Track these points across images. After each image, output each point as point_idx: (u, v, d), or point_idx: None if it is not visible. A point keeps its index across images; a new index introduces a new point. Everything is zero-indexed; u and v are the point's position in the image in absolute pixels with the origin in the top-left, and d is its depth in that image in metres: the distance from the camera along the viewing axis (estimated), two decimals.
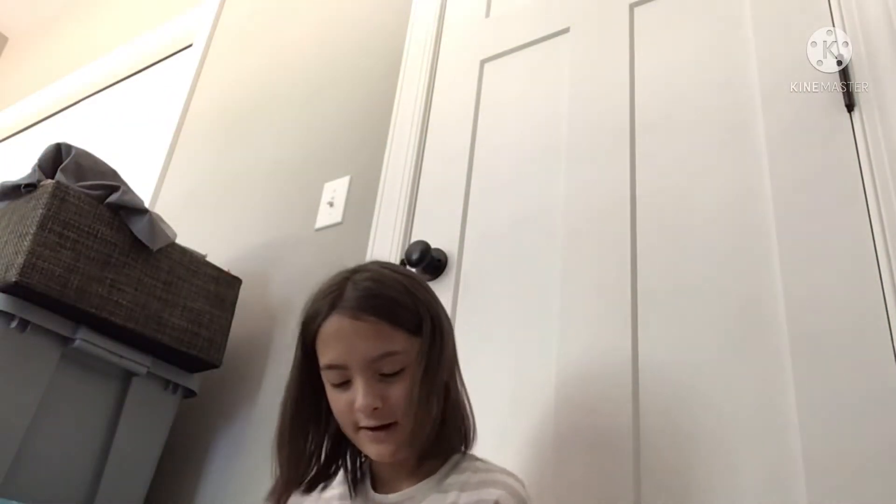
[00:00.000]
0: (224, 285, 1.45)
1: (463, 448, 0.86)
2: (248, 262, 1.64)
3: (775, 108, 1.06)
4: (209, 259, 1.47)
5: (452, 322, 1.22)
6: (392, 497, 0.82)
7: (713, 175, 1.08)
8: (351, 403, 0.79)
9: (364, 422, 0.79)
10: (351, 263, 1.41)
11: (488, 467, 0.83)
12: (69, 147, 1.31)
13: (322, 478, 0.86)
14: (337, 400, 0.82)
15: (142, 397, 1.34)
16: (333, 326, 0.81)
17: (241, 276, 1.50)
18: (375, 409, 0.78)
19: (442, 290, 1.26)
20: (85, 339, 1.24)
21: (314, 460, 0.85)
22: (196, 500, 1.41)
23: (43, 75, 3.13)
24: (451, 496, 0.79)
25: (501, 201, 1.30)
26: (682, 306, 1.01)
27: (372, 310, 0.80)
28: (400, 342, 0.80)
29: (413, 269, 1.29)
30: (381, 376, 0.79)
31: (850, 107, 0.99)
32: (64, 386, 1.24)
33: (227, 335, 1.44)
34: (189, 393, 1.42)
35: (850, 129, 0.98)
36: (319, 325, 0.82)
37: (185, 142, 2.15)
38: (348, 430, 0.82)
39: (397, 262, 1.34)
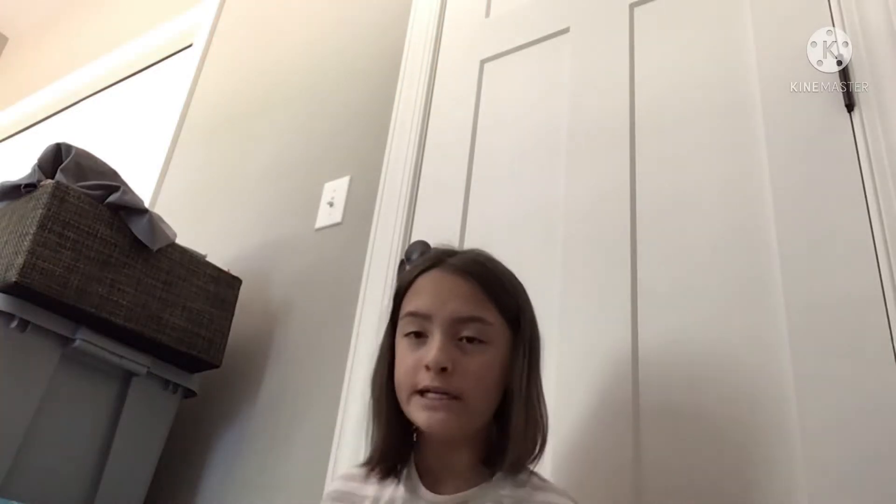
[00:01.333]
0: (224, 285, 1.45)
1: (534, 464, 0.79)
2: (248, 262, 1.64)
3: (775, 108, 1.06)
4: (209, 259, 1.47)
5: None
6: (442, 498, 0.77)
7: (713, 175, 1.08)
8: (419, 361, 0.75)
9: (426, 381, 0.74)
10: (351, 263, 1.43)
11: (548, 486, 0.78)
12: (69, 147, 1.31)
13: (396, 468, 0.81)
14: (405, 357, 0.77)
15: (142, 397, 1.34)
16: (430, 278, 0.79)
17: (241, 276, 1.50)
18: (444, 369, 0.74)
19: None
20: (85, 339, 1.24)
21: (403, 435, 0.80)
22: (196, 500, 1.41)
23: (43, 75, 3.13)
24: (507, 501, 0.74)
25: (501, 201, 1.30)
26: (682, 306, 1.01)
27: (475, 274, 0.78)
28: (492, 316, 0.77)
29: None
30: (461, 342, 0.76)
31: (850, 107, 0.99)
32: (64, 386, 1.24)
33: (227, 335, 1.43)
34: (189, 393, 1.42)
35: (850, 129, 0.98)
36: (415, 278, 0.80)
37: (185, 142, 2.15)
38: (404, 395, 0.77)
39: (397, 261, 1.34)
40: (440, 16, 1.63)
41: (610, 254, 1.11)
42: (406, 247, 1.30)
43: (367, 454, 0.81)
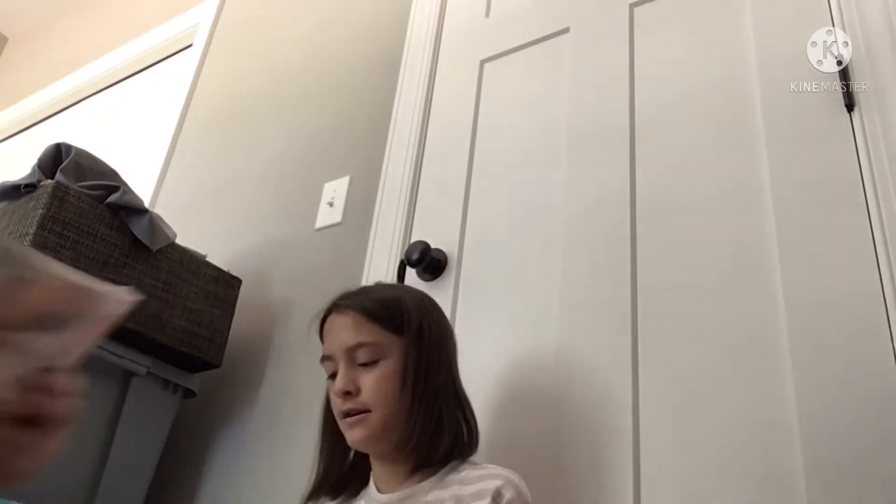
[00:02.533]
0: (224, 285, 1.45)
1: (461, 457, 0.88)
2: (248, 262, 1.63)
3: (775, 108, 1.06)
4: (209, 259, 1.47)
5: (452, 322, 1.22)
6: (391, 496, 0.87)
7: (713, 175, 1.08)
8: (334, 393, 0.88)
9: (341, 406, 0.87)
10: (351, 263, 1.43)
11: (488, 466, 0.86)
12: (69, 147, 1.31)
13: (344, 485, 0.93)
14: (329, 391, 0.91)
15: (142, 397, 1.34)
16: (326, 325, 0.94)
17: (241, 276, 1.50)
18: (348, 392, 0.87)
19: (442, 290, 1.26)
20: None
21: (342, 464, 0.94)
22: (196, 500, 1.41)
23: (43, 75, 3.13)
24: (453, 489, 0.82)
25: (501, 201, 1.29)
26: (681, 306, 1.01)
27: (352, 305, 0.91)
28: (374, 335, 0.89)
29: (413, 270, 1.29)
30: (359, 366, 0.88)
31: (850, 107, 0.99)
32: None
33: (227, 335, 1.43)
34: (189, 393, 1.42)
35: (850, 129, 0.98)
36: (320, 327, 0.95)
37: (184, 142, 2.15)
38: (338, 420, 0.89)
39: (397, 262, 1.34)
40: (440, 16, 1.63)
41: (610, 253, 1.11)
42: (406, 247, 1.30)
43: (311, 485, 0.94)
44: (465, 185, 1.36)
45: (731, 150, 1.08)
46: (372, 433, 0.86)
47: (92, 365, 1.28)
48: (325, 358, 0.92)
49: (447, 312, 1.23)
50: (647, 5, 1.30)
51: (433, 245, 1.28)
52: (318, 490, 0.93)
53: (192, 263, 1.40)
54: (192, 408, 1.48)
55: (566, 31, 1.38)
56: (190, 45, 2.45)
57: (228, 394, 1.48)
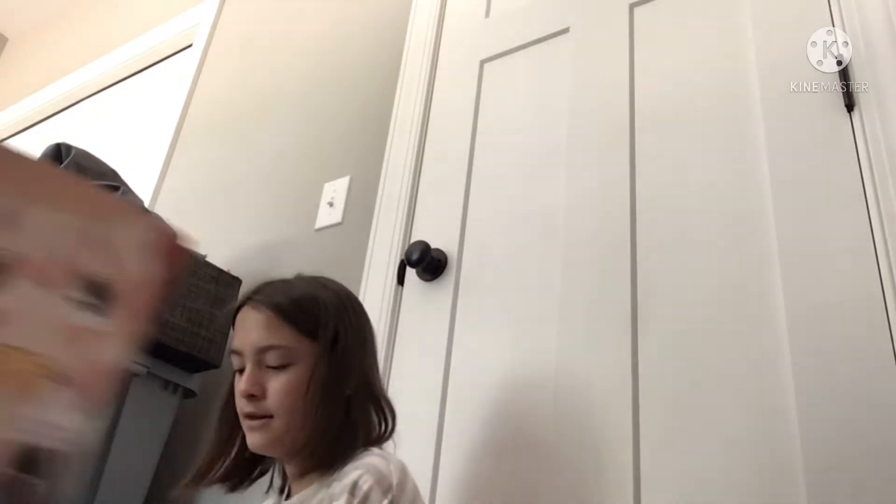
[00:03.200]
0: (224, 285, 1.45)
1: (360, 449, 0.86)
2: (247, 262, 1.63)
3: (775, 108, 1.06)
4: (209, 259, 1.47)
5: (451, 321, 1.22)
6: (291, 500, 0.87)
7: (713, 174, 1.08)
8: (238, 393, 0.86)
9: (244, 406, 0.85)
10: (351, 263, 1.43)
11: (367, 455, 0.83)
12: (69, 147, 1.31)
13: (242, 478, 0.91)
14: (235, 387, 0.88)
15: (142, 397, 1.34)
16: (240, 315, 0.90)
17: (240, 277, 1.50)
18: (253, 395, 0.84)
19: (442, 289, 1.26)
20: None
21: (230, 453, 0.91)
22: (196, 500, 1.40)
23: (43, 75, 3.13)
24: (333, 487, 0.80)
25: (501, 201, 1.29)
26: (682, 306, 1.01)
27: (268, 304, 0.87)
28: (287, 338, 0.86)
29: (413, 270, 1.29)
30: (268, 368, 0.85)
31: (850, 107, 0.99)
32: None
33: (227, 335, 1.43)
34: (189, 393, 1.42)
35: (849, 129, 0.98)
36: (234, 317, 0.91)
37: (185, 142, 2.15)
38: (240, 418, 0.87)
39: (397, 262, 1.34)
40: (440, 16, 1.63)
41: (610, 253, 1.11)
42: (406, 247, 1.30)
43: (193, 472, 0.91)
44: (465, 185, 1.36)
45: (731, 149, 1.08)
46: (272, 439, 0.84)
47: None
48: (234, 352, 0.88)
49: (447, 312, 1.23)
50: (647, 5, 1.30)
51: (433, 245, 1.28)
52: (200, 477, 0.90)
53: (192, 263, 1.40)
54: (192, 408, 1.48)
55: (566, 31, 1.38)
56: (190, 45, 2.45)
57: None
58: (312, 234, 1.56)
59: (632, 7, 1.31)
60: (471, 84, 1.47)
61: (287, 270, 1.57)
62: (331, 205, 1.56)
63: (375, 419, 0.88)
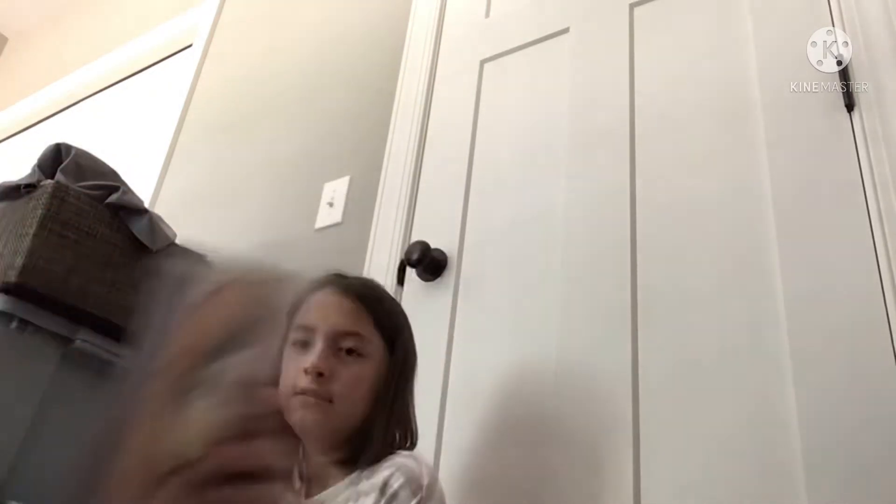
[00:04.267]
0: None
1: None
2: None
3: (775, 108, 1.06)
4: (209, 259, 1.47)
5: (451, 321, 1.22)
6: (318, 497, 0.85)
7: (713, 175, 1.08)
8: (300, 366, 0.83)
9: (304, 382, 0.82)
10: (351, 263, 1.42)
11: (396, 456, 0.84)
12: (69, 147, 1.31)
13: None
14: (289, 364, 0.85)
15: None
16: (320, 297, 0.88)
17: None
18: (321, 374, 0.82)
19: (442, 290, 1.26)
20: (85, 340, 1.24)
21: None
22: None
23: (43, 75, 3.13)
24: (362, 486, 0.81)
25: (501, 201, 1.29)
26: (681, 307, 1.01)
27: (359, 296, 0.88)
28: (371, 333, 0.87)
29: (413, 270, 1.29)
30: (341, 353, 0.85)
31: (850, 107, 0.99)
32: (64, 386, 1.24)
33: None
34: None
35: (850, 129, 0.98)
36: (307, 296, 0.88)
37: (185, 142, 2.15)
38: (284, 398, 0.83)
39: (397, 262, 1.34)
40: (440, 16, 1.63)
41: (610, 253, 1.11)
42: (406, 247, 1.30)
43: None
44: (465, 185, 1.36)
45: (731, 149, 1.08)
46: (327, 423, 0.83)
47: (92, 365, 1.28)
48: (304, 327, 0.86)
49: (447, 312, 1.24)
50: (647, 5, 1.30)
51: (433, 245, 1.28)
52: None
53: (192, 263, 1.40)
54: None
55: (566, 31, 1.38)
56: (190, 46, 2.45)
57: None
58: (312, 234, 1.56)
59: (632, 7, 1.31)
60: (471, 84, 1.47)
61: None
62: (331, 205, 1.56)
63: (403, 434, 0.89)
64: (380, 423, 0.85)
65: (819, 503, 0.81)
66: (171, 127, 2.19)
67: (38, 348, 1.20)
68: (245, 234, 1.72)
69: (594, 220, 1.15)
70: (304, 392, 0.82)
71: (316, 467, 0.87)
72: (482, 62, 1.49)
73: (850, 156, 0.96)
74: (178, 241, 1.40)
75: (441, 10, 1.64)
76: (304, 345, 0.85)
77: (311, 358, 0.83)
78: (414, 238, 1.35)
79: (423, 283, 1.29)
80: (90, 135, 2.63)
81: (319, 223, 1.56)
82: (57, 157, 1.30)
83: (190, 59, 2.35)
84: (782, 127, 1.04)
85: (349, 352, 0.85)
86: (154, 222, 1.33)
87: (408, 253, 1.26)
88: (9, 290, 1.15)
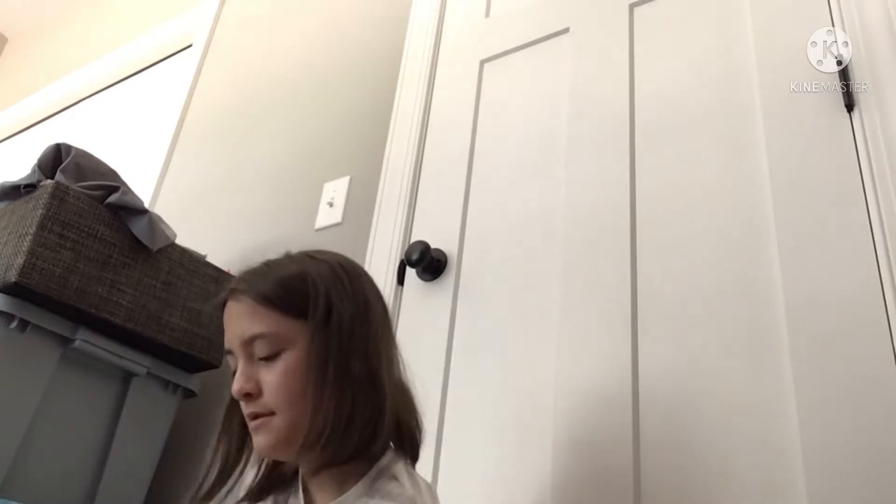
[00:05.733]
0: (224, 285, 1.45)
1: (377, 453, 0.76)
2: (248, 262, 1.63)
3: (775, 108, 1.06)
4: (209, 259, 1.47)
5: (451, 321, 1.22)
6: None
7: (713, 174, 1.08)
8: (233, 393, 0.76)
9: (244, 409, 0.76)
10: None
11: (398, 492, 0.73)
12: (69, 147, 1.31)
13: (264, 488, 0.82)
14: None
15: (142, 397, 1.34)
16: (225, 311, 0.80)
17: None
18: (248, 394, 0.75)
19: (441, 290, 1.26)
20: (85, 340, 1.24)
21: (244, 460, 0.81)
22: (196, 499, 1.40)
23: (43, 75, 3.13)
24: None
25: (501, 201, 1.29)
26: (681, 307, 1.01)
27: (246, 290, 0.77)
28: (273, 324, 0.75)
29: (413, 270, 1.29)
30: (260, 360, 0.75)
31: (849, 107, 0.99)
32: (64, 386, 1.24)
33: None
34: (189, 393, 1.42)
35: (849, 129, 0.98)
36: (223, 314, 0.81)
37: (185, 142, 2.15)
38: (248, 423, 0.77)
39: (397, 262, 1.33)
40: (440, 16, 1.63)
41: (610, 253, 1.11)
42: (406, 247, 1.30)
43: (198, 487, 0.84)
44: (465, 185, 1.36)
45: (731, 149, 1.08)
46: (278, 439, 0.74)
47: (92, 365, 1.28)
48: (227, 352, 0.79)
49: (447, 312, 1.23)
50: (647, 5, 1.30)
51: (433, 245, 1.28)
52: (204, 498, 0.81)
53: (192, 263, 1.40)
54: (192, 408, 1.48)
55: (566, 31, 1.38)
56: (190, 46, 2.45)
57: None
58: (312, 234, 1.56)
59: (632, 7, 1.31)
60: (471, 84, 1.47)
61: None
62: (331, 205, 1.56)
63: (379, 410, 0.75)
64: (343, 401, 0.72)
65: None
66: (171, 127, 2.19)
67: (38, 348, 1.21)
68: (245, 234, 1.73)
69: (594, 220, 1.15)
70: (249, 418, 0.76)
71: (309, 476, 0.80)
72: (482, 62, 1.49)
73: (850, 156, 0.96)
74: (178, 240, 1.40)
75: (441, 10, 1.64)
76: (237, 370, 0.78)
77: (234, 384, 0.76)
78: (414, 238, 1.35)
79: (422, 282, 1.29)
80: (90, 135, 2.63)
81: (319, 223, 1.56)
82: (57, 157, 1.30)
83: (190, 59, 2.35)
84: (782, 127, 1.04)
85: (268, 356, 0.75)
86: (154, 222, 1.33)
87: (408, 253, 1.26)
88: (9, 290, 1.16)
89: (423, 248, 1.25)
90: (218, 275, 1.45)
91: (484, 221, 1.30)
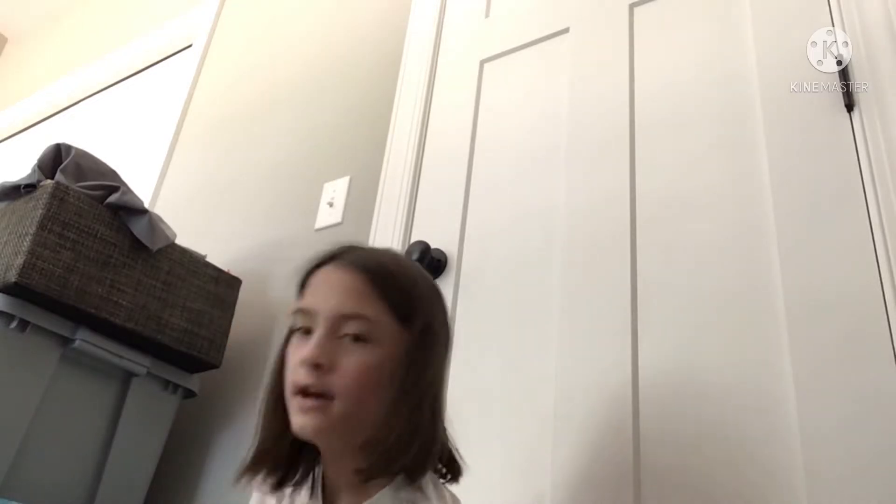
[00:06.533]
0: (224, 285, 1.45)
1: (418, 475, 0.73)
2: (248, 262, 1.63)
3: (775, 108, 1.06)
4: (209, 259, 1.47)
5: (452, 321, 1.22)
6: None
7: (713, 175, 1.08)
8: (299, 357, 0.72)
9: (302, 378, 0.71)
10: None
11: (440, 494, 0.73)
12: (69, 147, 1.31)
13: (289, 476, 0.77)
14: (290, 355, 0.75)
15: (142, 397, 1.34)
16: (322, 274, 0.76)
17: (241, 277, 1.50)
18: (319, 365, 0.70)
19: (442, 289, 1.26)
20: (84, 340, 1.24)
21: (287, 439, 0.75)
22: (196, 500, 1.40)
23: (43, 75, 3.13)
24: None
25: (501, 201, 1.29)
26: (682, 306, 1.01)
27: (366, 269, 0.74)
28: (377, 313, 0.72)
29: None
30: (344, 340, 0.72)
31: (849, 107, 0.99)
32: (64, 386, 1.24)
33: (227, 335, 1.43)
34: (189, 393, 1.42)
35: (849, 129, 0.98)
36: (311, 273, 0.78)
37: (185, 142, 2.15)
38: (288, 394, 0.73)
39: None
40: (440, 16, 1.63)
41: (610, 253, 1.11)
42: (406, 247, 1.30)
43: (245, 460, 0.77)
44: (465, 185, 1.36)
45: (731, 150, 1.08)
46: (328, 426, 0.70)
47: (92, 365, 1.28)
48: (302, 311, 0.74)
49: (447, 312, 1.23)
50: (647, 5, 1.30)
51: (433, 245, 1.28)
52: (255, 467, 0.76)
53: (192, 263, 1.40)
54: (192, 408, 1.48)
55: (566, 31, 1.38)
56: (190, 46, 2.45)
57: (228, 394, 1.48)
58: (312, 234, 1.56)
59: (632, 7, 1.31)
60: (471, 84, 1.47)
61: (287, 270, 1.57)
62: (331, 205, 1.56)
63: (433, 433, 0.74)
64: (403, 419, 0.71)
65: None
66: (171, 127, 2.19)
67: (37, 348, 1.21)
68: (245, 234, 1.73)
69: (594, 220, 1.15)
70: (301, 390, 0.71)
71: (336, 474, 0.76)
72: (482, 62, 1.49)
73: (850, 156, 0.96)
74: (178, 240, 1.40)
75: (441, 10, 1.64)
76: (307, 332, 0.73)
77: (308, 347, 0.71)
78: (414, 238, 1.35)
79: None
80: (90, 135, 2.63)
81: (319, 223, 1.56)
82: (57, 157, 1.30)
83: (190, 59, 2.35)
84: (782, 127, 1.04)
85: (355, 338, 0.72)
86: (154, 222, 1.33)
87: (408, 253, 1.26)
88: (9, 290, 1.16)
89: (423, 247, 1.25)
90: (218, 275, 1.45)
91: (484, 221, 1.30)
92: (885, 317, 0.86)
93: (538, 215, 1.23)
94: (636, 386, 0.99)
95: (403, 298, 0.74)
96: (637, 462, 0.94)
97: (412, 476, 0.72)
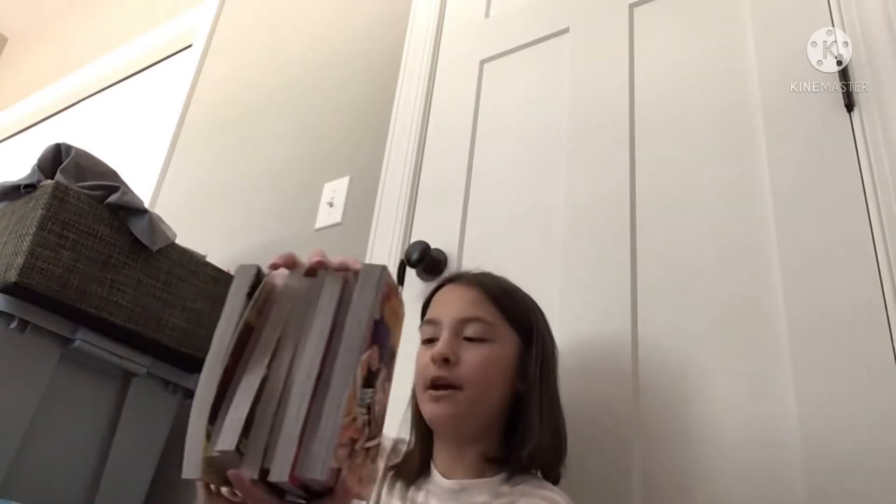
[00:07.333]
0: (224, 285, 1.45)
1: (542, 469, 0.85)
2: (247, 262, 1.62)
3: (775, 108, 1.06)
4: (209, 259, 1.47)
5: None
6: (448, 482, 0.84)
7: (713, 175, 1.08)
8: (429, 356, 0.84)
9: (433, 372, 0.82)
10: None
11: (546, 485, 0.83)
12: (69, 147, 1.31)
13: (423, 470, 0.88)
14: (421, 357, 0.87)
15: (141, 397, 1.34)
16: (442, 293, 0.91)
17: None
18: (447, 360, 0.82)
19: None
20: (84, 340, 1.24)
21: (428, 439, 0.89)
22: (196, 500, 1.40)
23: (43, 75, 3.13)
24: (504, 500, 0.79)
25: (501, 201, 1.29)
26: (682, 306, 1.01)
27: (479, 283, 0.89)
28: (492, 315, 0.86)
29: (413, 270, 1.29)
30: (465, 340, 0.84)
31: (849, 107, 0.99)
32: (64, 386, 1.24)
33: None
34: (189, 393, 1.42)
35: (849, 129, 0.98)
36: (433, 294, 0.92)
37: (185, 142, 2.15)
38: (419, 390, 0.86)
39: (397, 262, 1.34)
40: (440, 16, 1.63)
41: (610, 253, 1.11)
42: (406, 247, 1.30)
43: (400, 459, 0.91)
44: (464, 185, 1.36)
45: (730, 149, 1.08)
46: (457, 412, 0.82)
47: (92, 365, 1.28)
48: (429, 322, 0.88)
49: None
50: (647, 5, 1.30)
51: (433, 245, 1.28)
52: (400, 467, 0.89)
53: (192, 263, 1.40)
54: None
55: (566, 31, 1.38)
56: (190, 46, 2.45)
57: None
58: (312, 234, 1.56)
59: (632, 7, 1.31)
60: (471, 84, 1.47)
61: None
62: (331, 205, 1.56)
63: (557, 448, 0.85)
64: (532, 415, 0.83)
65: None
66: (171, 127, 2.19)
67: (37, 348, 1.21)
68: (245, 234, 1.73)
69: (594, 220, 1.15)
70: (432, 383, 0.83)
71: (454, 459, 0.86)
72: (482, 62, 1.49)
73: (850, 156, 0.96)
74: (178, 240, 1.40)
75: (441, 10, 1.64)
76: (432, 340, 0.86)
77: (437, 346, 0.84)
78: (414, 238, 1.35)
79: (423, 283, 1.29)
80: (90, 135, 2.63)
81: (319, 223, 1.56)
82: (57, 157, 1.30)
83: (190, 59, 2.35)
84: (782, 127, 1.04)
85: (476, 339, 0.84)
86: (154, 222, 1.33)
87: (408, 253, 1.26)
88: (9, 290, 1.16)
89: (423, 247, 1.25)
90: (218, 275, 1.45)
91: (484, 221, 1.30)
92: (886, 318, 0.86)
93: (538, 215, 1.23)
94: (636, 384, 0.99)
95: (514, 308, 0.88)
96: (637, 457, 0.94)
97: (545, 473, 0.85)
